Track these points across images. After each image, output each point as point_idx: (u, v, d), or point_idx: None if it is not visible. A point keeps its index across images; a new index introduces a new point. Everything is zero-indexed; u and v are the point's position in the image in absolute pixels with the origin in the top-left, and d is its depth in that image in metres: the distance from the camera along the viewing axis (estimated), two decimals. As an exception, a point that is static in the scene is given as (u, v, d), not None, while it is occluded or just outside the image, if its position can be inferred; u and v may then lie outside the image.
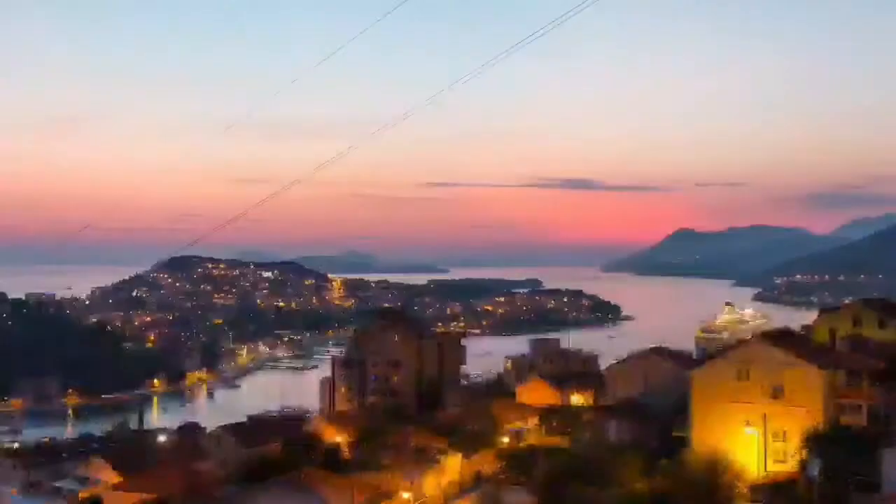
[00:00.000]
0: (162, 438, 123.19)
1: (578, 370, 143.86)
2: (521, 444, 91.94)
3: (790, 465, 62.66)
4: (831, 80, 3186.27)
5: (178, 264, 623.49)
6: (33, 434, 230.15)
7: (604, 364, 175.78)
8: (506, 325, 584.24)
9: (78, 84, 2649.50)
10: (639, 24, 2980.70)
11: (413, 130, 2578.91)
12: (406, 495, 71.81)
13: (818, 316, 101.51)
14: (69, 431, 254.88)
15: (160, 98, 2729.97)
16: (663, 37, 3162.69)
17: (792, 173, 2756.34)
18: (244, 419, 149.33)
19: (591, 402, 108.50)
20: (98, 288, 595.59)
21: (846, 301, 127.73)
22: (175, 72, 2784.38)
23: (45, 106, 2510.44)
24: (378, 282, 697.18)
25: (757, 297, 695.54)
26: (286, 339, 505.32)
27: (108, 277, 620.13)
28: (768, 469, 64.68)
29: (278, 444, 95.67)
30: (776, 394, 65.74)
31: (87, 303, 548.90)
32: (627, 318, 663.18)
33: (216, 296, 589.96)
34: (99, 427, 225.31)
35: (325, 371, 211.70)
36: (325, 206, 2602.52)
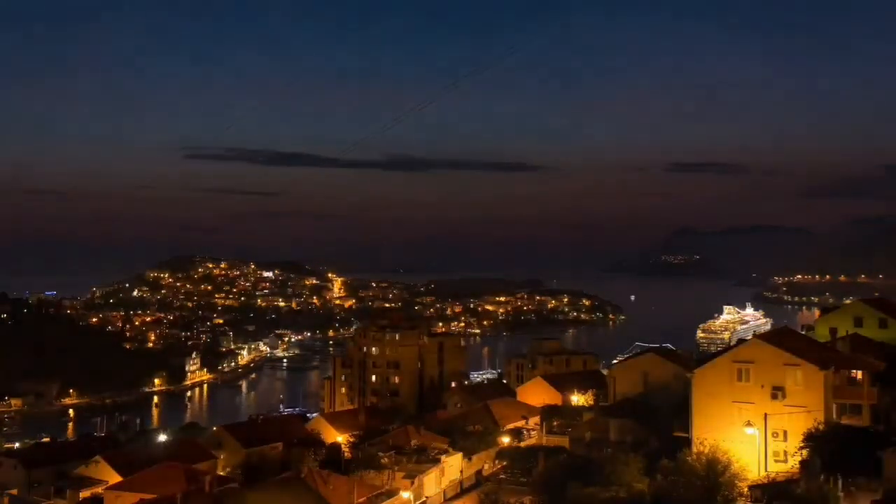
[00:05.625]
0: (162, 438, 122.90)
1: (579, 370, 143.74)
2: (522, 444, 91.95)
3: (790, 465, 62.63)
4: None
5: (179, 264, 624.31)
6: (33, 434, 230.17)
7: (604, 364, 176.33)
8: (506, 325, 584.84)
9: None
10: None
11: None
12: (406, 495, 71.80)
13: (818, 316, 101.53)
14: (69, 431, 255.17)
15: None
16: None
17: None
18: (245, 419, 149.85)
19: (591, 402, 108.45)
20: (98, 288, 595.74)
21: (846, 301, 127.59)
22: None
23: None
24: (379, 281, 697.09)
25: (757, 297, 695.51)
26: (286, 339, 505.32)
27: (108, 277, 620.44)
28: (768, 469, 64.66)
29: (279, 443, 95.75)
30: (776, 394, 65.76)
31: (87, 303, 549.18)
32: (628, 318, 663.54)
33: (216, 296, 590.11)
34: (99, 427, 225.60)
35: (326, 371, 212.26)
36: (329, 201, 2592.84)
